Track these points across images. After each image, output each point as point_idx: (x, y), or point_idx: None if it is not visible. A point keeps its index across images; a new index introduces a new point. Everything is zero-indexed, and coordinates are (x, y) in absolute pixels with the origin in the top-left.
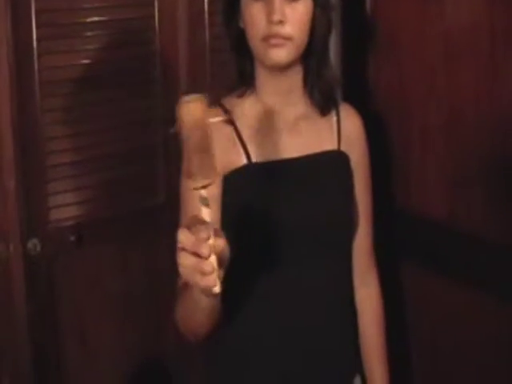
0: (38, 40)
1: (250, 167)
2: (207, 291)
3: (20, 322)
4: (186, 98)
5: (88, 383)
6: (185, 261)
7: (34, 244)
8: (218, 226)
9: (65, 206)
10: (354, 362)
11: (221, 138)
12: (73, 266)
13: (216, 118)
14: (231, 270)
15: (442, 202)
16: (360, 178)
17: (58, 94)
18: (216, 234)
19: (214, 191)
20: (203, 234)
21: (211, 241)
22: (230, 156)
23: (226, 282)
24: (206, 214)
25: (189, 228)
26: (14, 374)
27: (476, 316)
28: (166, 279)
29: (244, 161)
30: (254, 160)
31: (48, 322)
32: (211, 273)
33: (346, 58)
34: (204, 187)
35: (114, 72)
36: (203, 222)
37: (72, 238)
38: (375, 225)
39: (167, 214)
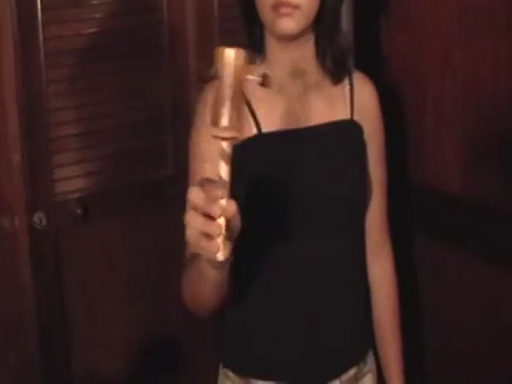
0: (43, 9)
1: (260, 137)
2: (211, 257)
3: (26, 296)
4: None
5: (96, 358)
6: (192, 220)
7: (39, 218)
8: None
9: (70, 179)
10: (368, 338)
11: None
12: (79, 239)
13: (254, 77)
14: (242, 242)
15: (457, 174)
16: (373, 149)
17: (63, 65)
18: (230, 198)
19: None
20: (218, 191)
21: (224, 202)
22: None
23: (236, 254)
24: (225, 170)
25: (201, 186)
26: (21, 349)
27: (490, 289)
28: (175, 253)
29: (254, 131)
30: (264, 130)
31: (54, 296)
32: (218, 236)
33: (358, 25)
34: (228, 139)
35: (120, 41)
36: (220, 179)
37: (78, 211)
38: (388, 198)
39: (176, 187)
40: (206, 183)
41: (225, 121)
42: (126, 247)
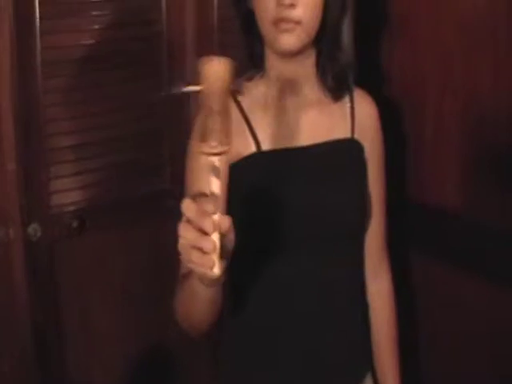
0: (41, 18)
1: (259, 155)
2: (203, 273)
3: (21, 309)
4: (212, 58)
5: (91, 371)
6: (185, 233)
7: (34, 229)
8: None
9: (66, 191)
10: (367, 358)
11: None
12: (74, 252)
13: (236, 87)
14: (240, 260)
15: (456, 191)
16: (374, 168)
17: (60, 75)
18: (223, 213)
19: (224, 165)
20: (209, 207)
21: (217, 217)
22: (238, 143)
23: (232, 272)
24: (216, 185)
25: (194, 199)
26: (15, 362)
27: (490, 308)
28: (171, 266)
29: (253, 149)
30: (263, 148)
31: (49, 309)
32: (211, 252)
33: (358, 42)
34: (217, 154)
35: (118, 53)
36: (211, 194)
37: (74, 224)
38: (387, 216)
39: (172, 200)
40: (199, 197)
41: (214, 137)
42: (122, 260)
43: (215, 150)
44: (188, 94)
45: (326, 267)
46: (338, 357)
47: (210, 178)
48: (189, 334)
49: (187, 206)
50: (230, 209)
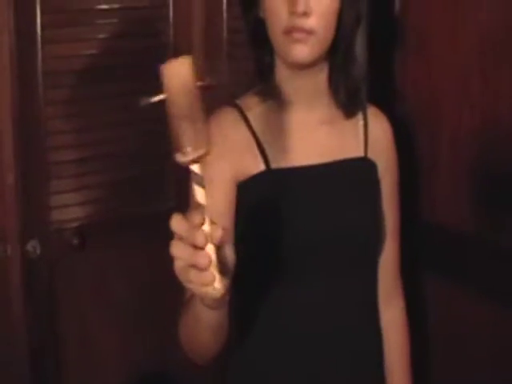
0: (43, 27)
1: (268, 174)
2: (205, 292)
3: (18, 329)
4: (172, 60)
5: None
6: (178, 252)
7: (33, 246)
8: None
9: (67, 207)
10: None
11: (236, 140)
12: (75, 270)
13: (205, 81)
14: (246, 282)
15: (472, 212)
16: (387, 189)
17: (62, 86)
18: (213, 223)
19: (219, 177)
20: (196, 219)
21: (207, 228)
22: (246, 161)
23: (237, 295)
24: (201, 195)
25: (184, 215)
26: (11, 382)
27: (505, 332)
28: (173, 288)
29: (262, 167)
30: (272, 166)
31: (47, 329)
32: (208, 266)
33: (371, 57)
34: (196, 161)
35: (123, 64)
36: (197, 205)
37: (74, 241)
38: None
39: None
40: (189, 211)
41: (187, 144)
42: (124, 280)
43: (190, 157)
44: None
45: (336, 292)
46: (348, 379)
47: (193, 187)
48: (194, 362)
49: (176, 223)
50: (238, 228)
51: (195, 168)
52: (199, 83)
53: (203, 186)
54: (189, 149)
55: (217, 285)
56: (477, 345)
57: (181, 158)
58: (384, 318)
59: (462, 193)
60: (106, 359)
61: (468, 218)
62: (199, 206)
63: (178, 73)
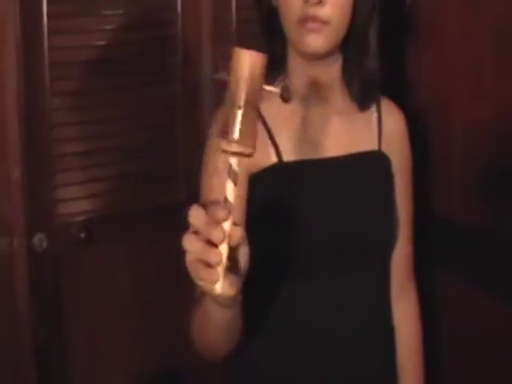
0: (49, 17)
1: (280, 167)
2: (208, 288)
3: (23, 324)
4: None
5: None
6: (191, 244)
7: (39, 239)
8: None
9: (74, 200)
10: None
11: None
12: (81, 264)
13: (274, 88)
14: (254, 279)
15: (486, 207)
16: (402, 183)
17: (68, 77)
18: (235, 223)
19: (243, 171)
20: (220, 213)
21: (227, 227)
22: (258, 153)
23: (247, 294)
24: (231, 191)
25: (204, 207)
26: (16, 380)
27: None
28: (182, 282)
29: (274, 159)
30: (284, 158)
31: (53, 325)
32: (217, 265)
33: (384, 49)
34: (238, 155)
35: (130, 55)
36: (225, 201)
37: (81, 235)
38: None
39: (186, 212)
40: (210, 204)
41: (235, 132)
42: (132, 274)
43: (235, 148)
44: (203, 99)
45: (349, 291)
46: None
47: (225, 181)
48: (208, 360)
49: (195, 214)
50: (248, 223)
51: (233, 162)
52: (265, 85)
53: (235, 183)
54: (236, 138)
55: (218, 286)
56: (490, 343)
57: (224, 145)
58: (396, 314)
59: (475, 187)
60: (113, 355)
61: (482, 213)
62: (226, 201)
63: (252, 63)
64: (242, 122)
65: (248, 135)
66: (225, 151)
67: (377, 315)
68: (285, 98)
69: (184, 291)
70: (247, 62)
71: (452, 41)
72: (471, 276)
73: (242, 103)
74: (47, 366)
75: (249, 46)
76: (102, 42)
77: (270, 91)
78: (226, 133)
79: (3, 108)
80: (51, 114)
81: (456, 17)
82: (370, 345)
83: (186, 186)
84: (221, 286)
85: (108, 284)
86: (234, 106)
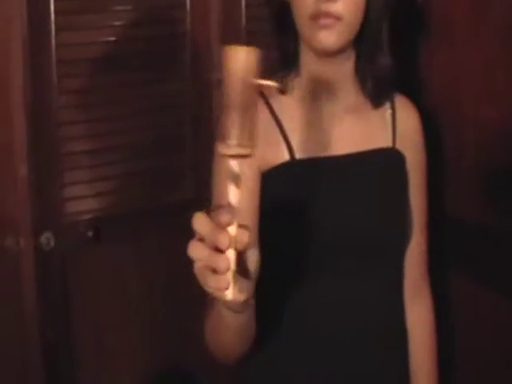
0: (56, 13)
1: (292, 164)
2: (218, 295)
3: (30, 324)
4: (239, 46)
5: None
6: (197, 252)
7: (47, 238)
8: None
9: (82, 198)
10: None
11: (259, 129)
12: (89, 263)
13: (269, 82)
14: (268, 280)
15: (498, 207)
16: (416, 181)
17: (76, 75)
18: (241, 226)
19: (250, 172)
20: (224, 218)
21: (233, 231)
22: (270, 150)
23: (259, 296)
24: (234, 194)
25: (209, 213)
26: (24, 381)
27: None
28: (192, 282)
29: (286, 157)
30: (296, 156)
31: (60, 323)
32: (225, 271)
33: (394, 45)
34: (237, 157)
35: (138, 52)
36: (228, 205)
37: (89, 233)
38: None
39: (195, 211)
40: (215, 209)
41: (233, 136)
42: (139, 274)
43: (233, 152)
44: (212, 97)
45: (362, 291)
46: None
47: (228, 185)
48: (221, 362)
49: (199, 221)
50: (259, 221)
51: (234, 165)
52: (260, 81)
53: (238, 186)
54: (234, 142)
55: (229, 293)
56: (503, 342)
57: (222, 149)
58: (410, 316)
59: (488, 186)
60: (121, 355)
61: (494, 212)
62: (229, 205)
63: (244, 61)
64: (240, 123)
65: (246, 136)
66: (224, 155)
67: (390, 314)
68: (283, 91)
69: (192, 290)
70: (239, 60)
71: (464, 39)
72: (484, 275)
73: (238, 104)
74: (54, 365)
75: (240, 43)
76: (109, 39)
77: (267, 86)
78: (223, 136)
79: (10, 105)
80: (58, 112)
81: (468, 15)
82: (383, 344)
83: (194, 184)
84: (231, 292)
85: (115, 282)
86: (230, 108)
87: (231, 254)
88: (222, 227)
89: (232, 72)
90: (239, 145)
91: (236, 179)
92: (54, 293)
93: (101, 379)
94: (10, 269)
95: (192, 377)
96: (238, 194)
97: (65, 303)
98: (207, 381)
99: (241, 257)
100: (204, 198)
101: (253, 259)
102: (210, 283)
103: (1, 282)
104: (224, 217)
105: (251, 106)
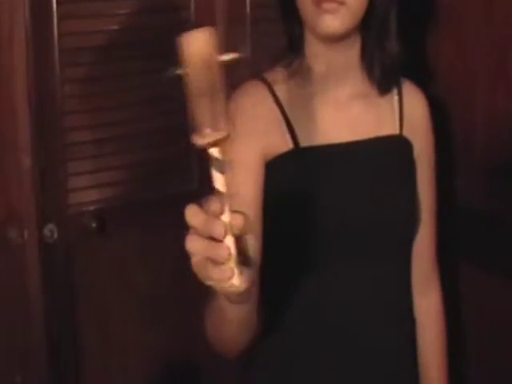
0: (59, 2)
1: (297, 153)
2: (223, 287)
3: (35, 317)
4: (190, 32)
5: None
6: (194, 245)
7: (50, 230)
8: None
9: (86, 189)
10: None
11: (263, 116)
12: (94, 255)
13: (229, 55)
14: (274, 272)
15: (509, 196)
16: (424, 168)
17: (79, 64)
18: (233, 212)
19: (249, 161)
20: (214, 207)
21: (226, 217)
22: (274, 139)
23: (262, 286)
24: (220, 181)
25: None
26: (29, 374)
27: None
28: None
29: (290, 145)
30: (301, 144)
31: (66, 316)
32: (226, 260)
33: (402, 34)
34: (215, 144)
35: (142, 40)
36: (216, 192)
37: (93, 225)
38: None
39: (201, 202)
40: (205, 201)
41: (206, 123)
42: (145, 265)
43: (210, 139)
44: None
45: (370, 280)
46: (381, 378)
47: (212, 173)
48: (222, 356)
49: (191, 214)
50: (265, 210)
51: (214, 152)
52: (221, 57)
53: (223, 172)
54: (207, 130)
55: (235, 281)
56: None
57: (198, 141)
58: (419, 308)
59: (497, 175)
60: (127, 348)
61: (504, 201)
62: (218, 193)
63: (198, 45)
64: (211, 108)
65: (221, 119)
66: (202, 146)
67: (398, 305)
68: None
69: (198, 282)
70: (193, 43)
71: (474, 26)
72: (494, 265)
73: (204, 88)
74: (59, 357)
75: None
76: (113, 27)
77: (229, 60)
78: (197, 126)
79: (13, 95)
80: (62, 102)
81: (477, 2)
82: (391, 335)
83: (198, 175)
84: (237, 279)
85: (120, 274)
86: (198, 95)
87: (230, 242)
88: (215, 216)
89: (190, 58)
90: (215, 130)
91: (221, 166)
92: (58, 285)
93: (107, 374)
94: (14, 261)
95: (199, 369)
96: (223, 180)
97: (69, 295)
98: (214, 373)
99: (239, 244)
100: (209, 188)
101: (251, 244)
102: (213, 275)
103: (5, 274)
104: (213, 205)
105: (218, 86)
